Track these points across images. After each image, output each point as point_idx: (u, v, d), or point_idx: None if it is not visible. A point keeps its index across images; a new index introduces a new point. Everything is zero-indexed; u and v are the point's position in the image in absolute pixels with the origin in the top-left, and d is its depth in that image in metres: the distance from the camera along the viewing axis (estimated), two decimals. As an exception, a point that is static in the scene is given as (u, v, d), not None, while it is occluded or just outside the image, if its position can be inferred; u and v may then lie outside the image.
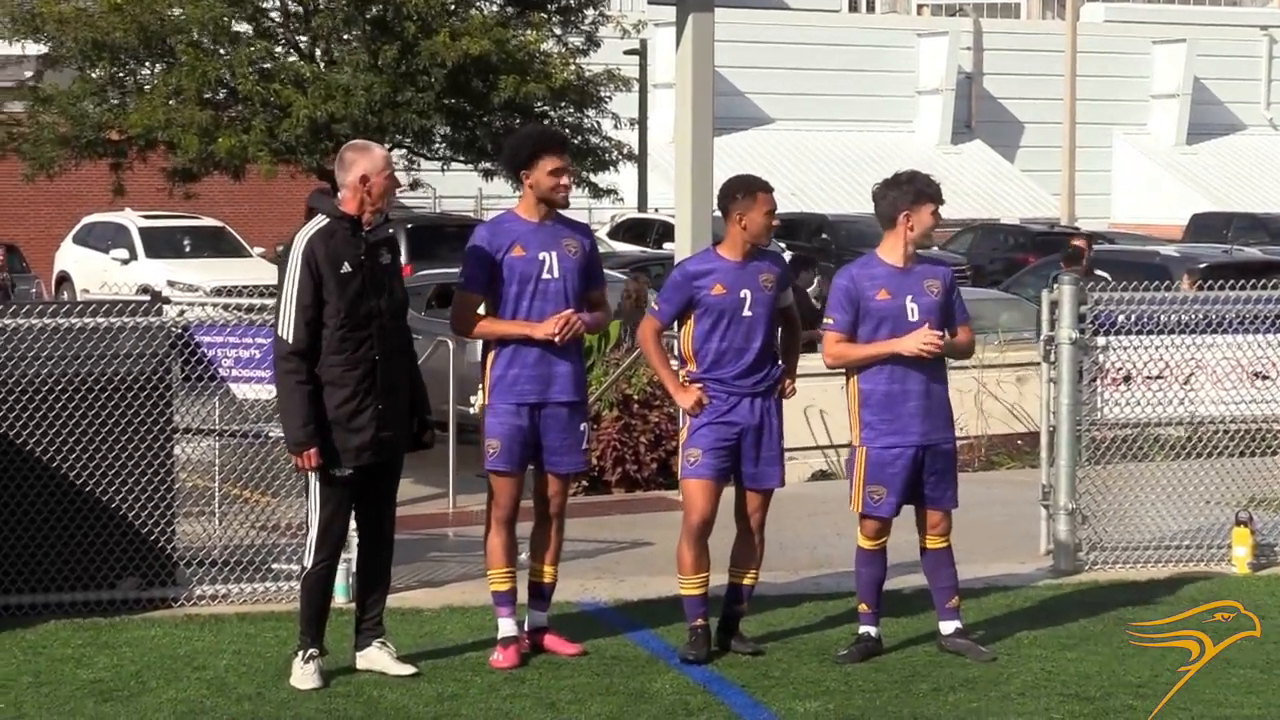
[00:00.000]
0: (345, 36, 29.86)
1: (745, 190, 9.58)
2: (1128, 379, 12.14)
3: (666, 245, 35.15)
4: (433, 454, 10.08)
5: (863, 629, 9.74)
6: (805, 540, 12.91)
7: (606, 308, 9.96)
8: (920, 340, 9.43)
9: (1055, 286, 12.02)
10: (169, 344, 10.68)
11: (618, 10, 35.57)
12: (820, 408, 15.85)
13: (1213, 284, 12.49)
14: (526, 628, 9.67)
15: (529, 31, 30.09)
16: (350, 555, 9.98)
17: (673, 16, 15.65)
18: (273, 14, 30.30)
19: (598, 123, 31.53)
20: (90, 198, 37.38)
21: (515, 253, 9.45)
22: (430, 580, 11.45)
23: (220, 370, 11.05)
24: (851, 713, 8.65)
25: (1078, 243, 23.23)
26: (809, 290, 19.35)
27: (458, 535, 13.36)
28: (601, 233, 40.07)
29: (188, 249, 35.06)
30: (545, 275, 9.45)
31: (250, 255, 35.02)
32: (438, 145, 31.16)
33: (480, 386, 9.78)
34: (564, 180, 9.51)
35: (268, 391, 10.52)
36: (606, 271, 10.75)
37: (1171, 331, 12.35)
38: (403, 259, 18.87)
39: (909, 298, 9.54)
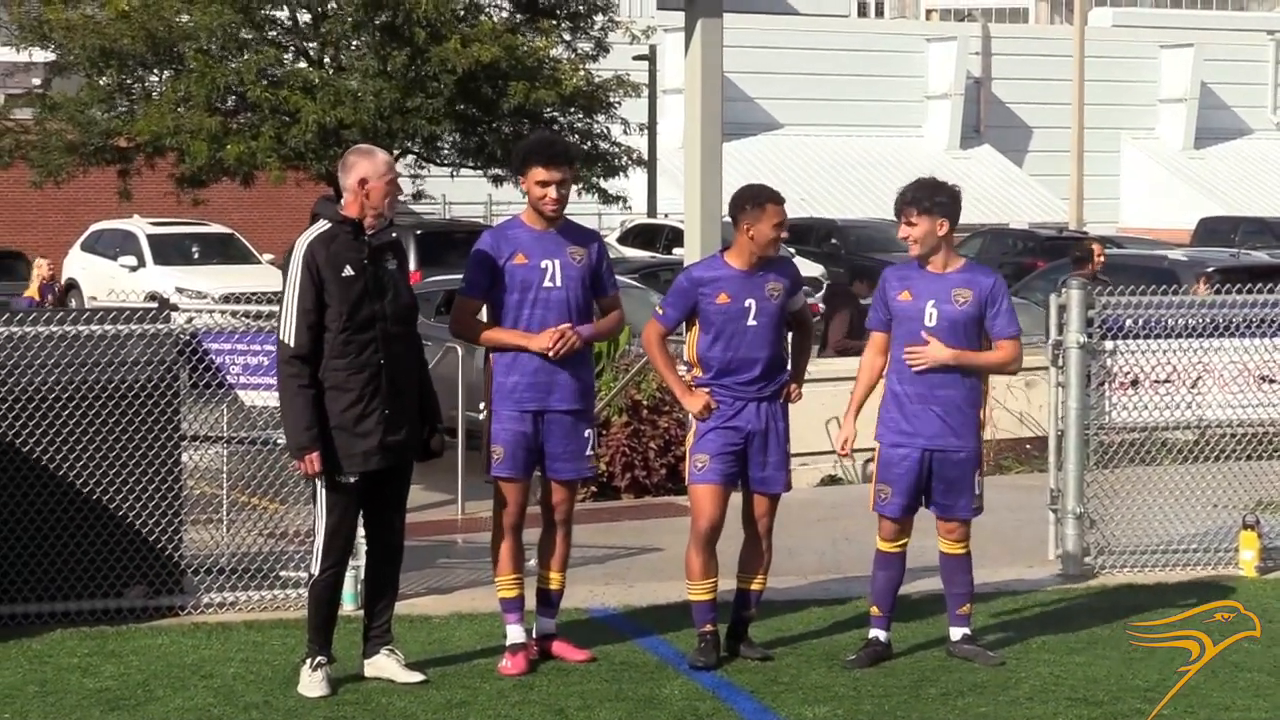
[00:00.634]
0: (354, 43, 29.87)
1: (754, 201, 9.56)
2: (1135, 383, 12.14)
3: (676, 250, 35.17)
4: (441, 460, 10.06)
5: (872, 633, 9.73)
6: (814, 545, 12.90)
7: (621, 313, 9.87)
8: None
9: (1063, 291, 12.02)
10: (177, 351, 10.66)
11: (627, 16, 35.61)
12: (834, 414, 15.79)
13: (1220, 288, 12.49)
14: (535, 634, 9.67)
15: (539, 38, 30.11)
16: (359, 563, 9.97)
17: (682, 22, 15.67)
18: (283, 19, 30.32)
19: (607, 128, 31.55)
20: (98, 204, 37.43)
21: (517, 260, 9.41)
22: (439, 587, 11.43)
23: (228, 377, 11.04)
24: (860, 718, 8.64)
25: (1091, 246, 23.15)
26: (863, 302, 19.33)
27: (466, 541, 13.34)
28: (611, 238, 40.08)
29: (196, 256, 34.90)
30: (547, 284, 9.39)
31: (259, 262, 34.89)
32: (447, 151, 31.16)
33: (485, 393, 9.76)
34: (550, 193, 9.40)
35: (275, 399, 10.50)
36: (618, 278, 10.66)
37: (1179, 335, 12.34)
38: (411, 265, 18.81)
39: (931, 302, 9.52)
